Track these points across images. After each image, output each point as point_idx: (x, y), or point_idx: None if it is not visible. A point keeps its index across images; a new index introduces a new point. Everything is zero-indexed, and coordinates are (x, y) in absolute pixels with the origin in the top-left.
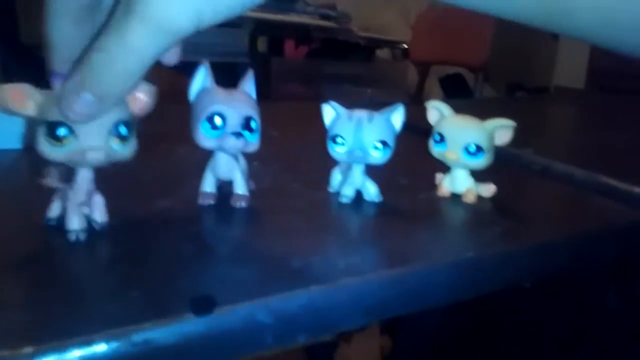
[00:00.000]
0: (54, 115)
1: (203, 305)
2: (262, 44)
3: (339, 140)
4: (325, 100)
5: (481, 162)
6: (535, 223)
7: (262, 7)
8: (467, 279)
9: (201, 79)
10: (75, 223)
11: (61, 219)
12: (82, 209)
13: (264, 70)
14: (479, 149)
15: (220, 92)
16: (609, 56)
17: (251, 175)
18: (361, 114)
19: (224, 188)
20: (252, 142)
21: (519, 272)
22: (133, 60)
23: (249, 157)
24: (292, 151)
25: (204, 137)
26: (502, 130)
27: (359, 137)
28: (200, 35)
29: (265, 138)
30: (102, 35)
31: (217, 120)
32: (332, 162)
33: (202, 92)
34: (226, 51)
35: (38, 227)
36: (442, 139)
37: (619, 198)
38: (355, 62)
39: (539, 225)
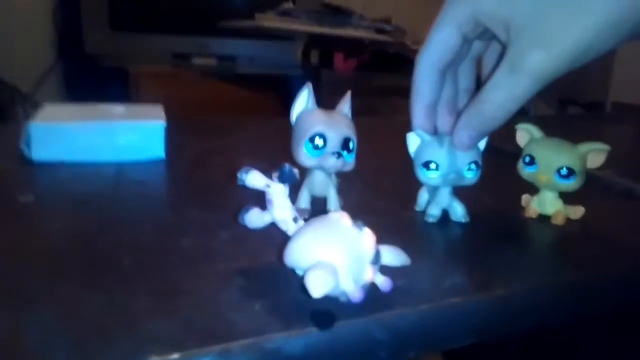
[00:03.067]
0: None
1: (324, 320)
2: (313, 57)
3: (432, 166)
4: (383, 115)
5: (572, 184)
6: (624, 245)
7: (317, 21)
8: (564, 301)
9: (304, 100)
10: None
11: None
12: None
13: (315, 83)
14: (570, 171)
15: (322, 114)
16: None
17: (339, 191)
18: (449, 137)
19: (316, 204)
20: (350, 161)
21: (618, 296)
22: (512, 106)
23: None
24: (371, 168)
25: (306, 157)
26: (595, 153)
27: (453, 162)
28: (255, 47)
29: None
30: (487, 89)
31: (319, 141)
32: (413, 180)
33: (304, 113)
34: (279, 63)
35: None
36: (532, 160)
37: None
38: (406, 75)
39: (628, 247)
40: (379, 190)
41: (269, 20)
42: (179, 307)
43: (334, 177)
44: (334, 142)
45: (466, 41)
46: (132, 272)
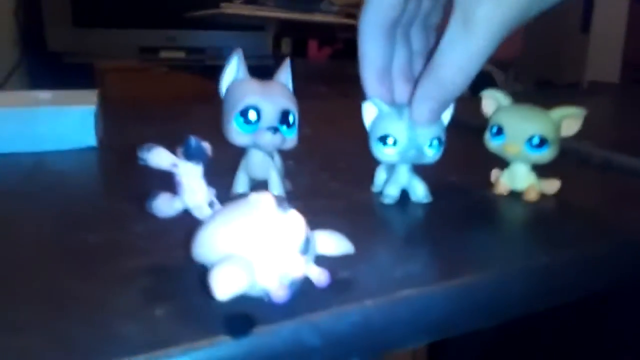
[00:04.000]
0: None
1: (240, 326)
2: (286, 46)
3: (389, 141)
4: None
5: (546, 155)
6: (606, 221)
7: (285, 7)
8: (541, 287)
9: (234, 70)
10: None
11: None
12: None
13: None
14: (543, 141)
15: (255, 84)
16: None
17: (287, 174)
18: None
19: (259, 189)
20: (290, 137)
21: (602, 277)
22: (471, 66)
23: (283, 155)
24: (327, 149)
25: (237, 133)
26: (570, 119)
27: (413, 137)
28: (224, 39)
29: (299, 137)
30: (441, 51)
31: (252, 115)
32: (371, 160)
33: (235, 83)
34: (250, 54)
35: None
36: (500, 131)
37: None
38: None
39: (616, 224)
40: (334, 171)
41: (235, 9)
42: (60, 317)
43: (277, 157)
44: (270, 116)
45: None
46: (18, 276)
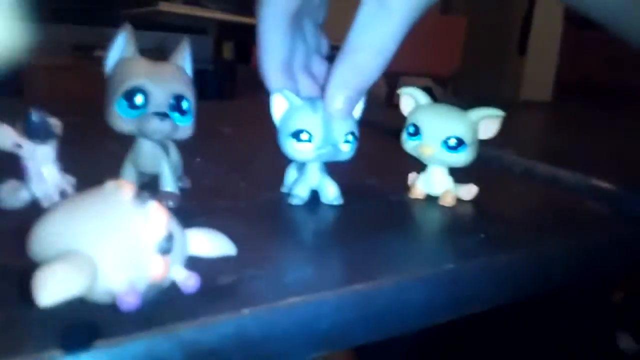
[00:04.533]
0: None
1: (79, 337)
2: (228, 50)
3: (303, 136)
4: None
5: (463, 158)
6: (523, 229)
7: (227, 10)
8: (447, 297)
9: (120, 46)
10: None
11: None
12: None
13: (230, 78)
14: (460, 142)
15: (144, 63)
16: (576, 69)
17: (190, 172)
18: (323, 102)
19: (147, 184)
20: (183, 126)
21: (510, 286)
22: (389, 48)
23: (191, 152)
24: (245, 150)
25: (120, 119)
26: (488, 121)
27: (328, 131)
28: (163, 40)
29: (216, 135)
30: (355, 35)
31: (138, 99)
32: (283, 158)
33: (121, 62)
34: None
35: None
36: (417, 131)
37: (609, 200)
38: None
39: (528, 231)
40: (245, 171)
41: (173, 8)
42: None
43: (172, 149)
44: (159, 100)
45: None
46: None
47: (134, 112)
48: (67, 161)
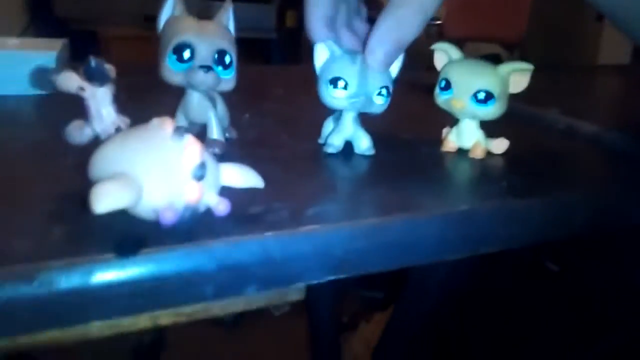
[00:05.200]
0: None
1: (128, 246)
2: (291, 19)
3: (340, 84)
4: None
5: (491, 111)
6: (548, 180)
7: None
8: (458, 235)
9: (171, 6)
10: None
11: None
12: None
13: (293, 46)
14: (489, 95)
15: (192, 22)
16: None
17: (239, 126)
18: (362, 55)
19: (196, 132)
20: (226, 78)
21: (522, 231)
22: (430, 7)
23: (242, 109)
24: (293, 108)
25: (170, 71)
26: (518, 75)
27: (364, 82)
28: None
29: (267, 95)
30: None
31: (185, 53)
32: (326, 114)
33: (171, 20)
34: (255, 27)
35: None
36: (448, 85)
37: None
38: None
39: (553, 182)
40: (288, 126)
41: None
42: None
43: (219, 102)
44: (204, 54)
45: None
46: None
47: (182, 66)
48: (127, 111)
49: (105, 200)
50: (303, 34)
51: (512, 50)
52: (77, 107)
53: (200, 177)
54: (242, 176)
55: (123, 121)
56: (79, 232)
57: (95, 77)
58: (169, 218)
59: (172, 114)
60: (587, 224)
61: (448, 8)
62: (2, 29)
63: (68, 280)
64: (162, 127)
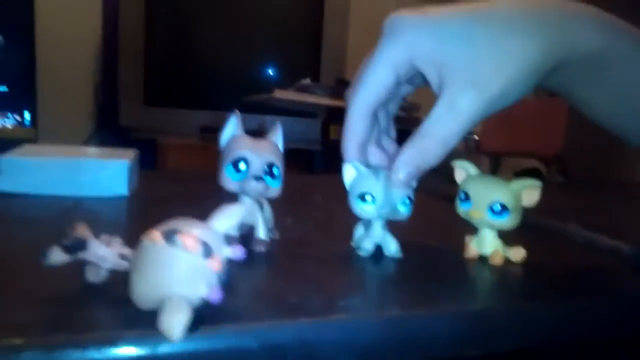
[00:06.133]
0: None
1: (192, 323)
2: (335, 133)
3: (367, 198)
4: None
5: (507, 222)
6: (562, 286)
7: (333, 95)
8: (470, 332)
9: (232, 127)
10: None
11: None
12: None
13: (336, 157)
14: (504, 208)
15: (247, 140)
16: None
17: (281, 228)
18: (384, 171)
19: (247, 232)
20: (273, 187)
21: (531, 332)
22: (450, 141)
23: (283, 212)
24: (328, 213)
25: (228, 180)
26: (528, 190)
27: (388, 195)
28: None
29: (307, 202)
30: (427, 125)
31: (241, 165)
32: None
33: (231, 138)
34: (300, 138)
35: None
36: (467, 197)
37: None
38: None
39: (567, 288)
40: (325, 229)
41: (287, 95)
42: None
43: (266, 206)
44: (257, 166)
45: (398, 83)
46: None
47: (238, 175)
48: (184, 214)
49: (179, 327)
50: None
51: (550, 164)
52: (142, 212)
53: (211, 254)
54: (224, 216)
55: (118, 246)
56: (143, 315)
57: (75, 249)
58: (216, 297)
59: None
60: (602, 329)
61: (484, 123)
62: (72, 135)
63: (140, 348)
64: (155, 240)
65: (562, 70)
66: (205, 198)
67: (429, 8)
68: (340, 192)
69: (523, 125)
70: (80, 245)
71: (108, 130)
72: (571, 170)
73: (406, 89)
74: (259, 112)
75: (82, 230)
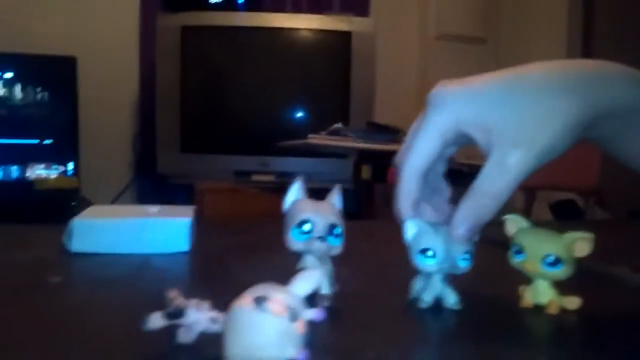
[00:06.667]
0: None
1: None
2: (366, 172)
3: (429, 253)
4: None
5: (561, 273)
6: (619, 336)
7: (366, 139)
8: None
9: (295, 191)
10: None
11: None
12: None
13: (368, 196)
14: (557, 260)
15: (310, 203)
16: None
17: (339, 279)
18: (444, 227)
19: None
20: (336, 245)
21: None
22: (503, 196)
23: (339, 263)
24: (379, 262)
25: (294, 241)
26: (581, 242)
27: (449, 250)
28: (311, 164)
29: (356, 251)
30: (480, 184)
31: (306, 226)
32: (410, 270)
33: (295, 202)
34: (332, 178)
35: None
36: (520, 250)
37: None
38: (457, 187)
39: (624, 335)
40: (380, 279)
41: (320, 140)
42: None
43: (328, 262)
44: (320, 227)
45: (445, 146)
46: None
47: (303, 237)
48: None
49: None
50: (376, 185)
51: (587, 196)
52: (204, 267)
53: (294, 318)
54: (303, 281)
55: (207, 309)
56: None
57: (176, 316)
58: (304, 357)
59: (282, 273)
60: None
61: None
62: (112, 184)
63: None
64: (246, 306)
65: (602, 123)
66: (259, 250)
67: (469, 78)
68: (382, 239)
69: (558, 158)
70: (180, 313)
71: (146, 178)
72: (609, 202)
73: (452, 150)
74: (290, 155)
75: (177, 297)
